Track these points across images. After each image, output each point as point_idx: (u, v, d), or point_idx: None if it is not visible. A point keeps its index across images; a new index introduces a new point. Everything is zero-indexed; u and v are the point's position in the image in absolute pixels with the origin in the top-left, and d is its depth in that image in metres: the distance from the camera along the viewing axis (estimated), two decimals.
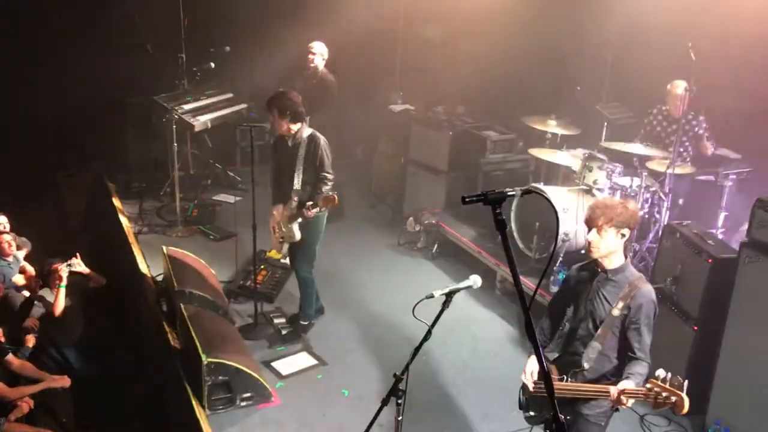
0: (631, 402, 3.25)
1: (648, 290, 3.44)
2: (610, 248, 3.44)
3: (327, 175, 5.40)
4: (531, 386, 3.65)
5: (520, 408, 3.83)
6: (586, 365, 3.48)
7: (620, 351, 3.50)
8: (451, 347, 5.75)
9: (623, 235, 3.44)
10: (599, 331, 3.46)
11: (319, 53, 7.44)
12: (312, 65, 7.46)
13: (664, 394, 3.03)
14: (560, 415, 2.48)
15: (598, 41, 7.56)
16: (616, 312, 3.42)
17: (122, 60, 8.47)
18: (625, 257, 3.56)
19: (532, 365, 3.66)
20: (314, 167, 5.41)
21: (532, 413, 3.78)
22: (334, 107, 7.49)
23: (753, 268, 4.39)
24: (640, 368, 3.35)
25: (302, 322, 5.86)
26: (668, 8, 6.64)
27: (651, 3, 6.86)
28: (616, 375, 3.46)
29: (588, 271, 3.63)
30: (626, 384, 3.25)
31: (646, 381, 3.17)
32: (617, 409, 3.51)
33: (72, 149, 8.39)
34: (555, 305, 3.86)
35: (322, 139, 5.43)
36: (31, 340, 5.35)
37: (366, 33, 8.74)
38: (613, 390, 3.25)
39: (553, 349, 3.81)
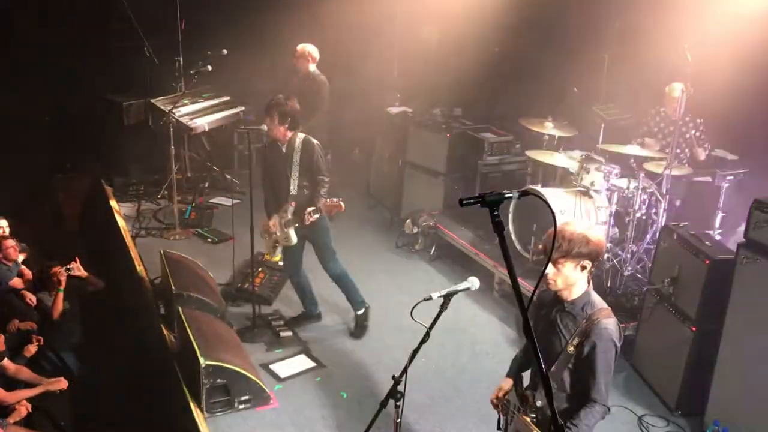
0: None
1: (606, 326, 3.10)
2: (568, 282, 3.15)
3: (324, 178, 5.44)
4: (495, 405, 3.52)
5: (498, 429, 3.65)
6: (539, 403, 3.27)
7: (577, 390, 3.21)
8: (449, 349, 5.75)
9: (583, 267, 3.13)
10: (553, 367, 3.18)
11: (309, 55, 7.45)
12: (304, 68, 7.47)
13: None
14: (559, 419, 2.46)
15: (595, 42, 7.57)
16: (570, 349, 3.14)
17: (119, 63, 8.48)
18: (588, 284, 3.22)
19: (503, 387, 3.52)
20: (310, 171, 5.44)
21: None
22: (326, 109, 7.48)
23: (750, 269, 4.40)
24: (586, 416, 3.12)
25: (358, 313, 5.89)
26: (665, 8, 6.66)
27: (648, 3, 6.88)
28: (573, 415, 3.18)
29: (550, 298, 3.32)
30: None
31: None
32: None
33: (69, 152, 8.38)
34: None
35: (317, 143, 5.47)
36: (30, 350, 5.33)
37: (363, 34, 8.75)
38: None
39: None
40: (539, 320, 3.34)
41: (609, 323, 3.12)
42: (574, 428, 3.09)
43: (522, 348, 3.71)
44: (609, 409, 3.17)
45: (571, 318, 3.19)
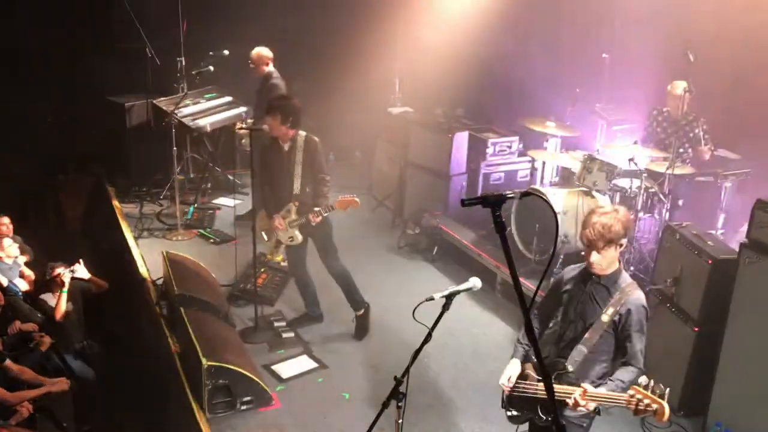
0: (592, 405, 3.25)
1: (639, 297, 3.44)
2: (610, 262, 3.45)
3: (324, 176, 5.44)
4: (506, 390, 3.64)
5: (502, 407, 3.77)
6: (570, 368, 3.46)
7: (609, 355, 3.50)
8: (451, 350, 5.75)
9: (620, 245, 3.44)
10: (587, 334, 3.46)
11: (266, 57, 7.44)
12: (262, 71, 7.43)
13: (645, 401, 3.02)
14: (560, 420, 2.46)
15: (596, 42, 7.57)
16: (605, 317, 3.42)
17: (122, 64, 8.49)
18: (619, 263, 3.54)
19: (511, 370, 3.64)
20: (312, 170, 5.44)
21: (514, 412, 3.72)
22: None
23: (753, 269, 4.39)
24: (624, 374, 3.35)
25: (358, 313, 5.84)
26: (665, 8, 6.65)
27: (648, 2, 6.88)
28: (604, 379, 3.44)
29: (580, 274, 3.61)
30: (590, 387, 3.25)
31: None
32: (599, 413, 3.47)
33: (72, 153, 8.39)
34: (544, 307, 3.82)
35: (318, 142, 5.47)
36: (44, 344, 5.35)
37: (365, 35, 8.75)
38: (577, 392, 3.23)
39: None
40: (569, 297, 3.60)
41: (641, 294, 3.45)
42: (611, 383, 3.31)
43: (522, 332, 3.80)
44: (644, 371, 3.36)
45: (605, 290, 3.47)
